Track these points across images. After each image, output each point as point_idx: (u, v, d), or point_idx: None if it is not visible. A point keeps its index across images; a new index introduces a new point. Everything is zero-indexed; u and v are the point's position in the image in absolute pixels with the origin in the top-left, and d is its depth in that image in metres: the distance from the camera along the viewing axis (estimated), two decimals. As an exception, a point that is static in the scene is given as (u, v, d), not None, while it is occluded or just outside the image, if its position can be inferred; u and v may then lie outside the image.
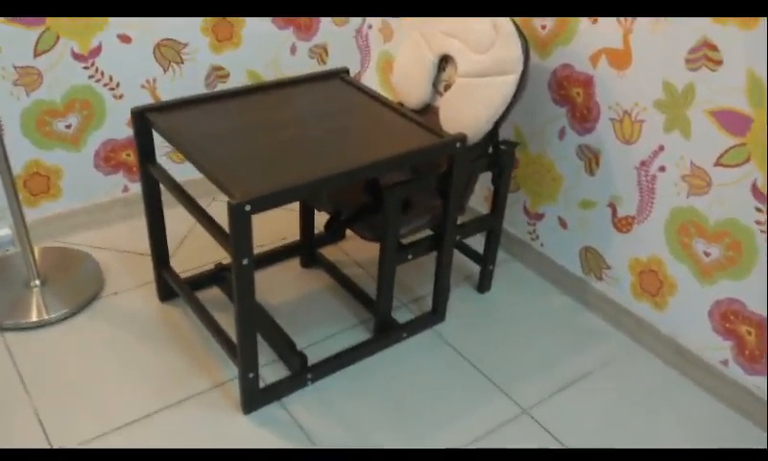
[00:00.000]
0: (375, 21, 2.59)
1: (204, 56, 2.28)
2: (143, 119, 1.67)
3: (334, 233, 2.14)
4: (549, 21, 1.89)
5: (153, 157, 1.73)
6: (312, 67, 2.55)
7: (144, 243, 2.20)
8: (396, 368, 1.79)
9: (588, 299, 2.04)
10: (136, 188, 2.34)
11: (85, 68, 2.07)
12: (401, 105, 2.00)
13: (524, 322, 1.99)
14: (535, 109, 2.03)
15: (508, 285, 2.13)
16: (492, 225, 1.97)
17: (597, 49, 1.80)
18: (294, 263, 2.15)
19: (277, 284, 2.06)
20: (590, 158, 1.91)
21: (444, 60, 1.90)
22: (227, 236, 1.45)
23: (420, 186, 1.69)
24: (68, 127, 2.12)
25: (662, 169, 1.73)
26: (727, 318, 1.70)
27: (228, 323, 1.89)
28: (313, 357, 1.79)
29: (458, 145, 1.65)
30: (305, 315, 1.95)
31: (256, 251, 2.17)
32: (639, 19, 1.67)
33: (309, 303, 1.99)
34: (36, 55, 1.97)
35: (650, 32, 1.66)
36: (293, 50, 2.47)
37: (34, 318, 1.84)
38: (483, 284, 2.07)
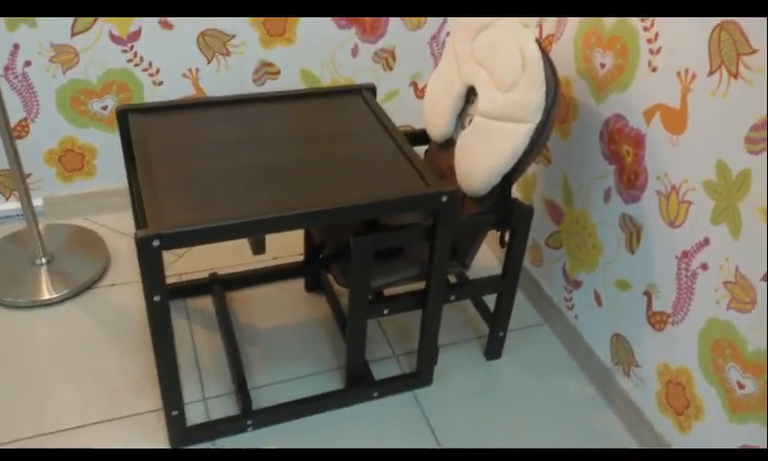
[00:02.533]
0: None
1: (252, 49, 2.16)
2: (124, 118, 1.58)
3: (315, 267, 1.93)
4: (609, 59, 1.55)
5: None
6: (376, 72, 2.35)
7: (163, 234, 2.16)
8: (353, 432, 1.58)
9: (611, 394, 1.69)
10: (174, 176, 2.30)
11: (124, 52, 2.03)
12: (422, 134, 1.76)
13: (529, 405, 1.69)
14: (585, 160, 1.70)
15: (524, 355, 1.83)
16: (501, 289, 1.68)
17: (653, 104, 1.44)
18: (299, 284, 2.00)
19: (271, 306, 1.92)
20: (632, 233, 1.56)
21: (474, 92, 1.63)
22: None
23: (401, 238, 1.46)
24: (104, 108, 2.10)
25: (704, 267, 1.36)
26: (762, 473, 1.31)
27: (201, 338, 1.78)
28: (268, 399, 1.63)
29: (444, 199, 1.40)
30: (285, 347, 1.79)
31: (268, 263, 2.05)
32: (701, 75, 1.30)
33: (294, 334, 1.83)
34: (73, 34, 1.96)
35: (711, 94, 1.29)
36: (354, 51, 2.28)
37: (26, 297, 1.85)
38: (490, 351, 1.79)
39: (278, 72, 2.24)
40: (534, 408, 1.68)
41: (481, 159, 1.49)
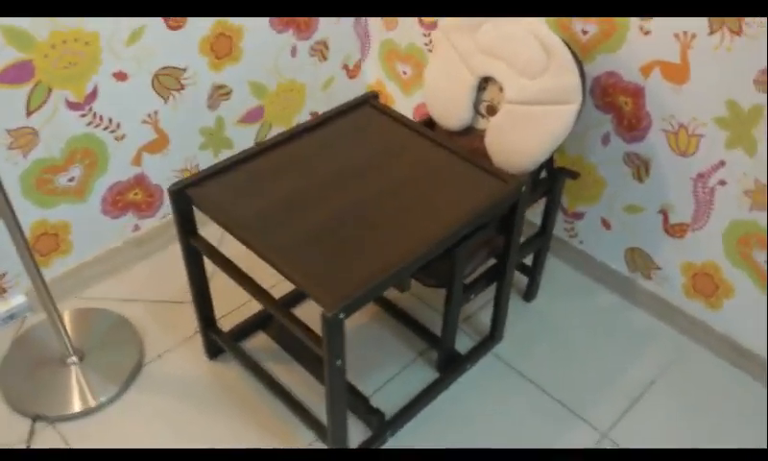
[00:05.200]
0: (373, 4, 2.41)
1: (204, 77, 2.08)
2: (181, 196, 1.53)
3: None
4: (591, 26, 1.78)
5: (194, 231, 1.60)
6: (314, 66, 2.37)
7: (169, 287, 2.08)
8: (467, 404, 1.77)
9: (636, 297, 2.05)
10: (147, 224, 2.18)
11: (83, 116, 1.87)
12: (438, 128, 1.89)
13: (576, 328, 1.99)
14: (572, 113, 1.94)
15: (552, 288, 2.11)
16: (541, 244, 1.92)
17: (649, 60, 1.71)
18: (333, 293, 2.07)
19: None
20: (639, 166, 1.86)
21: (485, 80, 1.78)
22: (314, 335, 1.38)
23: (485, 234, 1.62)
24: (71, 180, 1.93)
25: (722, 183, 1.70)
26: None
27: (286, 376, 1.82)
28: (382, 406, 1.75)
29: (523, 189, 1.58)
30: (358, 354, 1.89)
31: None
32: (701, 35, 1.58)
33: (359, 340, 1.94)
34: (29, 113, 1.76)
35: (714, 49, 1.58)
36: (293, 52, 2.28)
37: (79, 406, 1.73)
38: (530, 294, 2.05)
39: (230, 92, 2.19)
40: (584, 329, 1.98)
41: (529, 141, 1.67)
